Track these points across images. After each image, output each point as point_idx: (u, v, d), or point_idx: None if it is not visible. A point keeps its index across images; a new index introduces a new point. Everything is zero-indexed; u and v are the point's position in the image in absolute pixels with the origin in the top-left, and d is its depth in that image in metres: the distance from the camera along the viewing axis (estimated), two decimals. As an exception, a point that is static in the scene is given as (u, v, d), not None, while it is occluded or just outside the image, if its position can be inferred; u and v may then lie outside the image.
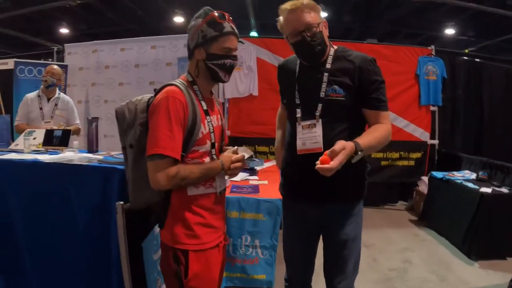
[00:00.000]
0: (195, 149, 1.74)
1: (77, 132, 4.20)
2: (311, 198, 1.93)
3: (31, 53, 8.44)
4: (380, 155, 6.07)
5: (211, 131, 1.78)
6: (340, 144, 1.59)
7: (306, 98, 1.92)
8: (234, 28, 1.77)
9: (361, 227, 2.02)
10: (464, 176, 5.08)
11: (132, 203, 1.87)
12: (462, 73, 6.70)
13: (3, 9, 8.98)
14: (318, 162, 1.57)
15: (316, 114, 1.86)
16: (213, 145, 1.80)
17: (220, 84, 5.78)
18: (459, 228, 4.40)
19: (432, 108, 6.20)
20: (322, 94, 1.86)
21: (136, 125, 1.76)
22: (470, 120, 6.78)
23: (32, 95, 4.30)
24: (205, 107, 1.78)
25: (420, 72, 6.09)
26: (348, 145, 1.61)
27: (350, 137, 1.75)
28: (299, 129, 1.90)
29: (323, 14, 9.81)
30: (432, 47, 6.30)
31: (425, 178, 5.75)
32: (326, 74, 1.87)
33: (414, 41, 11.98)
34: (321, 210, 1.95)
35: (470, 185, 4.53)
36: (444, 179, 5.00)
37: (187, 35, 1.79)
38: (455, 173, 5.22)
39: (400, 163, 6.15)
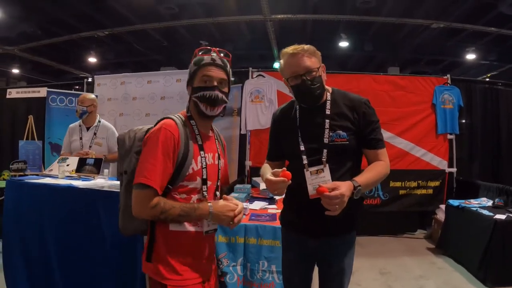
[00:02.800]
0: (184, 184, 1.73)
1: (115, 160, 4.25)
2: (312, 232, 2.02)
3: (63, 82, 8.81)
4: (398, 184, 6.13)
5: (203, 166, 1.76)
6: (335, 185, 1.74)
7: (310, 144, 1.98)
8: (217, 59, 1.80)
9: (354, 251, 2.12)
10: (480, 203, 5.10)
11: (121, 229, 1.88)
12: (479, 100, 6.76)
13: (35, 38, 9.47)
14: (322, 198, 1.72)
15: (323, 159, 1.93)
16: (204, 181, 1.78)
17: (243, 116, 5.98)
18: (474, 255, 4.43)
19: (449, 136, 6.26)
20: (326, 140, 1.93)
21: (132, 153, 1.78)
22: (488, 147, 6.77)
23: (74, 125, 4.31)
24: (200, 142, 1.78)
25: (436, 101, 6.20)
26: (344, 184, 1.75)
27: (354, 175, 1.89)
28: (307, 175, 1.93)
29: (344, 44, 10.05)
30: (448, 76, 6.42)
31: (443, 206, 5.76)
32: (327, 120, 1.95)
33: (436, 68, 12.06)
34: (320, 242, 2.02)
35: (485, 212, 4.58)
36: (460, 207, 5.03)
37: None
38: (471, 200, 5.25)
39: (419, 191, 6.18)
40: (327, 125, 1.95)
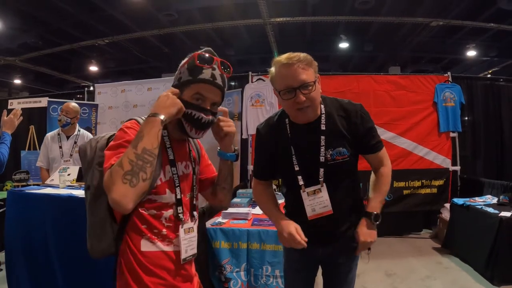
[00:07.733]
0: (152, 198, 1.46)
1: None
2: (317, 242, 1.89)
3: (64, 92, 8.84)
4: (402, 184, 6.10)
5: (177, 184, 1.53)
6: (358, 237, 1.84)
7: (305, 163, 1.84)
8: (218, 77, 1.51)
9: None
10: (485, 201, 5.08)
11: (89, 250, 1.50)
12: (481, 97, 6.74)
13: (36, 48, 9.48)
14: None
15: (320, 179, 1.81)
16: (179, 202, 1.53)
17: (244, 121, 5.95)
18: (481, 253, 4.39)
19: (452, 134, 6.23)
20: (322, 159, 1.80)
21: (94, 165, 1.50)
22: (491, 144, 6.74)
23: (52, 134, 4.35)
24: (171, 157, 1.53)
25: (438, 99, 6.17)
26: (360, 231, 1.84)
27: (353, 190, 1.88)
28: (304, 196, 1.83)
29: (344, 45, 10.03)
30: (449, 73, 6.39)
31: (448, 205, 5.71)
32: (323, 137, 1.80)
33: (436, 66, 12.02)
34: (328, 248, 1.95)
35: (490, 210, 4.54)
36: (465, 205, 4.99)
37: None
38: (476, 198, 5.22)
39: (423, 191, 6.15)
40: (322, 142, 1.80)
